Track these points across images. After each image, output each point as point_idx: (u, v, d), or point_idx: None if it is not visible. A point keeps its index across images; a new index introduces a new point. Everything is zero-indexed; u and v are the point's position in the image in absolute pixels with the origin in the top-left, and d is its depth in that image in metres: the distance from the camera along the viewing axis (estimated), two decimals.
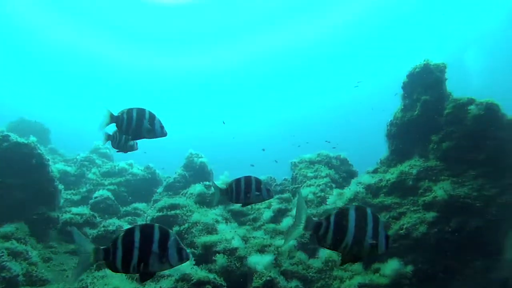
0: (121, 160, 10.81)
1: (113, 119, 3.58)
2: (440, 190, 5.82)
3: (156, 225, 2.58)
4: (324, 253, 5.43)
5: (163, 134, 3.64)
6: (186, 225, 6.12)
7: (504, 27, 23.55)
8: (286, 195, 7.29)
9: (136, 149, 4.36)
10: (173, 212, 6.74)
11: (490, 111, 6.07)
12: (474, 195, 5.82)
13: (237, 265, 4.83)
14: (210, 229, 5.75)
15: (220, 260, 4.82)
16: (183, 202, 7.05)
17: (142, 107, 3.60)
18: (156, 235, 2.52)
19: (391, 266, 5.29)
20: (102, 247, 2.49)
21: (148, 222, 6.90)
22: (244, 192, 3.59)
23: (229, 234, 5.36)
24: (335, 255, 5.34)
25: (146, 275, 2.56)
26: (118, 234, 2.50)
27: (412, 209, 5.97)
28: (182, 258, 2.57)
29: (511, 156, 5.96)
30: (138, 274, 2.57)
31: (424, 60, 6.90)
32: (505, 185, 5.87)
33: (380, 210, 6.08)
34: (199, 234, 5.67)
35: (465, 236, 5.68)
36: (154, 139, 3.67)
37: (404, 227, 5.77)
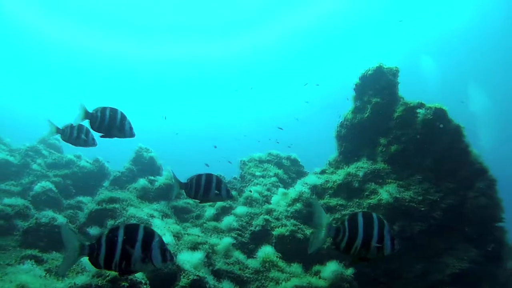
0: (71, 153, 10.25)
1: (87, 115, 3.70)
2: (386, 193, 5.66)
3: (141, 225, 2.59)
4: (262, 253, 5.15)
5: (131, 135, 3.79)
6: (121, 219, 5.73)
7: (460, 31, 24.07)
8: (232, 193, 6.98)
9: (94, 145, 4.25)
10: (111, 206, 6.33)
11: (438, 116, 5.96)
12: (419, 199, 5.70)
13: None
14: (143, 224, 5.38)
15: None
16: (123, 196, 6.66)
17: (114, 107, 3.74)
18: (140, 235, 2.55)
19: (330, 269, 5.07)
20: (87, 243, 2.50)
21: (87, 216, 6.49)
22: (203, 189, 3.54)
23: (161, 230, 5.01)
24: (273, 256, 5.07)
25: (127, 273, 2.57)
26: (103, 232, 2.51)
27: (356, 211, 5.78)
28: (166, 260, 2.57)
29: (454, 161, 5.86)
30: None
31: (378, 63, 6.76)
32: (448, 189, 5.77)
33: (325, 211, 5.85)
34: None
35: (407, 240, 5.54)
36: (122, 138, 3.84)
37: None
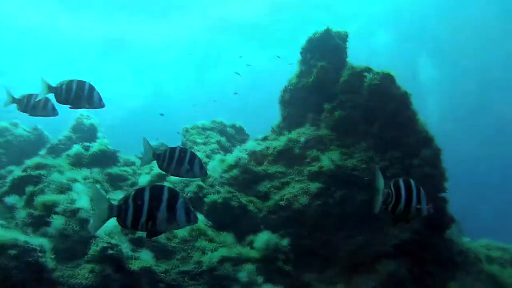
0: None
1: (51, 89, 3.64)
2: (327, 160, 5.28)
3: (166, 186, 2.68)
4: None
5: (101, 105, 3.71)
6: (41, 185, 5.16)
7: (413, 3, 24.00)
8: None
9: (54, 115, 4.09)
10: (37, 172, 5.73)
11: (385, 81, 5.59)
12: (363, 168, 5.35)
13: (76, 228, 3.98)
14: (63, 189, 4.84)
15: (56, 221, 3.96)
16: (53, 162, 6.05)
17: (82, 79, 3.69)
18: (165, 195, 2.63)
19: (263, 239, 4.67)
20: (116, 204, 2.58)
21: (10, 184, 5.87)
22: (176, 162, 3.42)
23: (80, 195, 4.49)
24: (201, 224, 4.64)
25: (153, 233, 2.68)
26: (130, 193, 2.58)
27: (296, 179, 5.40)
28: (189, 220, 2.65)
29: (400, 129, 5.54)
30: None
31: (326, 27, 6.34)
32: (394, 158, 5.46)
33: (263, 178, 5.45)
34: (49, 193, 4.75)
35: (349, 210, 5.20)
36: (92, 109, 3.81)
37: (285, 197, 5.18)
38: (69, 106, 3.69)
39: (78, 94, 3.66)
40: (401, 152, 5.51)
